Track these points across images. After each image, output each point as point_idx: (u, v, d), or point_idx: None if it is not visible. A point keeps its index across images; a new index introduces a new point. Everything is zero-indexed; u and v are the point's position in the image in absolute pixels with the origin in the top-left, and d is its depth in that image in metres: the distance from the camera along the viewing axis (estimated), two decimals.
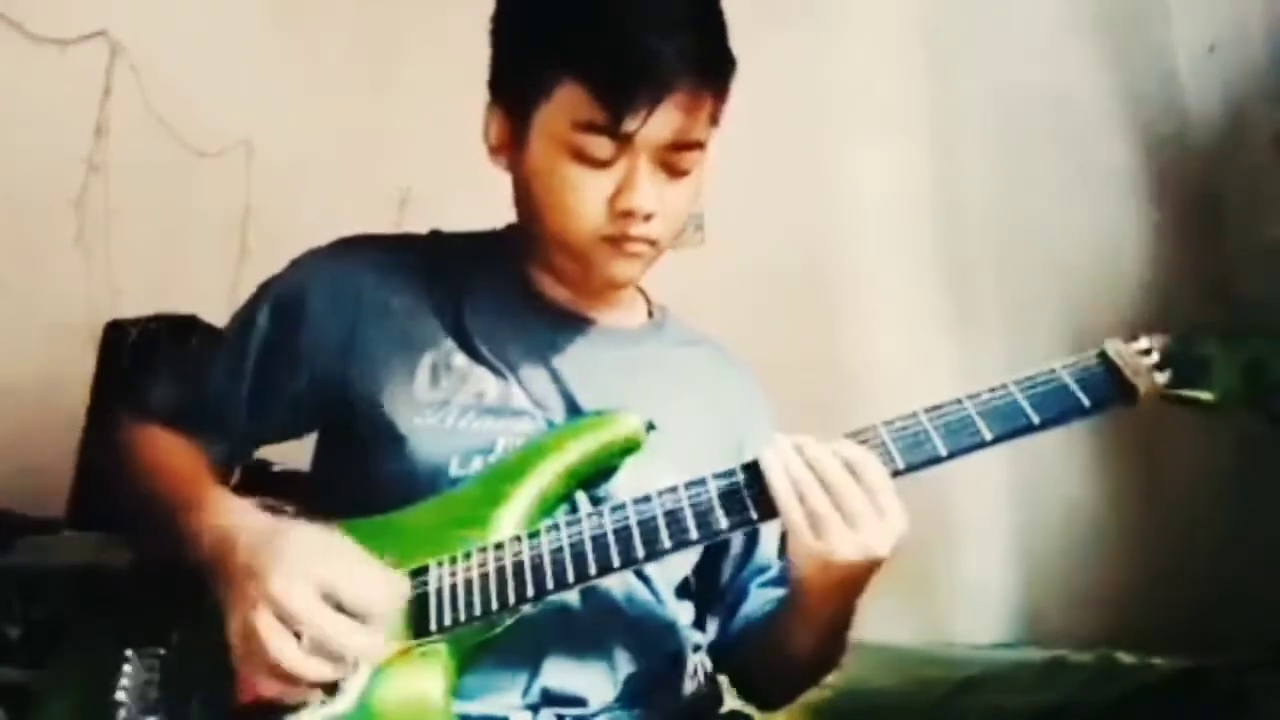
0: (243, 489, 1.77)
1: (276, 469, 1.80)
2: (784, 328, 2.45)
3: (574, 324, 1.01)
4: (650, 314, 1.10)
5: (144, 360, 1.99)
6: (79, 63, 2.43)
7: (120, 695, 0.80)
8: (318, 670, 0.73)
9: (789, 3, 2.76)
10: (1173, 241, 2.27)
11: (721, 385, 1.07)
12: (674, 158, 0.91)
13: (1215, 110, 2.18)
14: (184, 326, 2.01)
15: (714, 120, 0.96)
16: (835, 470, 0.76)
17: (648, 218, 0.91)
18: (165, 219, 2.55)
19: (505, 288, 1.01)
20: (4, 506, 1.91)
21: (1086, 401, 0.77)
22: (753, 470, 0.80)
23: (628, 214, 0.90)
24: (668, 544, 0.79)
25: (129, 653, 0.82)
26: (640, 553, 0.79)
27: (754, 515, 0.79)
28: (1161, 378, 0.77)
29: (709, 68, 0.92)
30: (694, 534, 0.79)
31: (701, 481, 0.80)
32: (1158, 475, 2.32)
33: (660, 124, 0.88)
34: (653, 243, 0.94)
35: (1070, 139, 2.45)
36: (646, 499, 0.80)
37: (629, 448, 0.90)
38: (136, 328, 2.03)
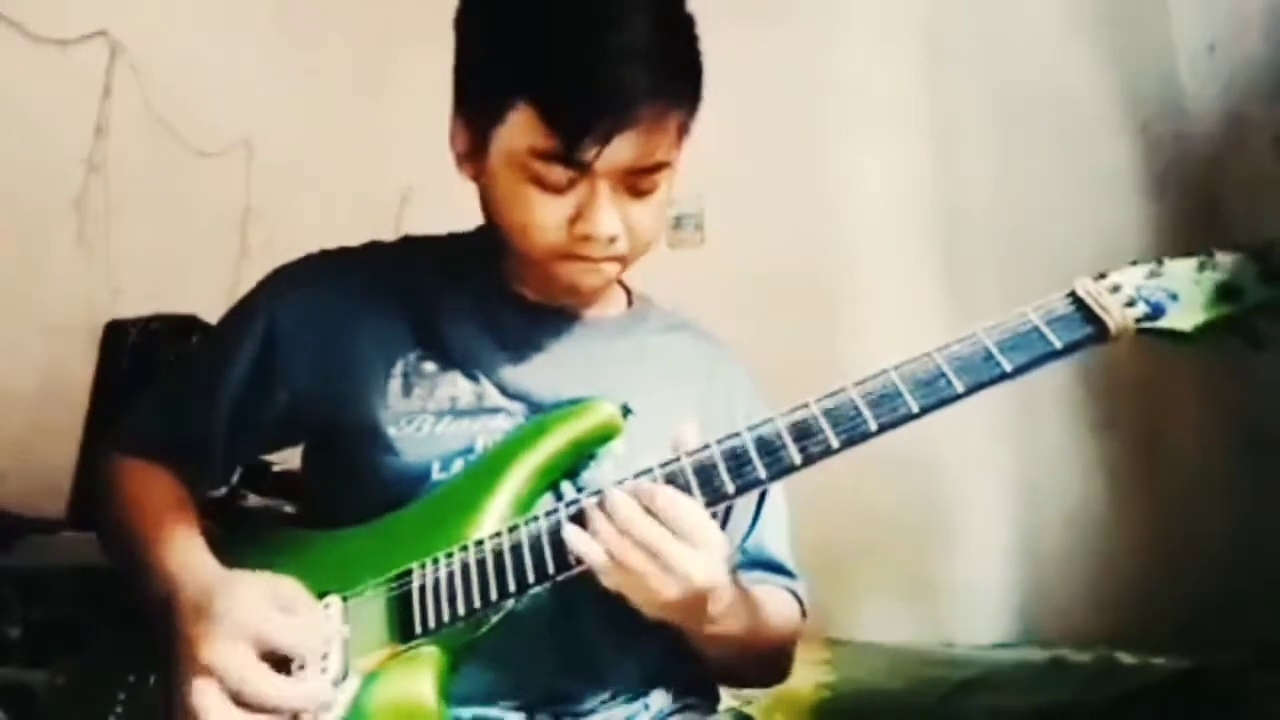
0: (243, 489, 1.79)
1: (277, 469, 1.80)
2: (784, 328, 2.45)
3: (551, 319, 0.99)
4: (630, 303, 1.08)
5: (144, 360, 1.99)
6: (79, 63, 2.43)
7: None
8: None
9: (790, 2, 2.76)
10: (1172, 241, 2.27)
11: (706, 369, 1.05)
12: (637, 180, 0.89)
13: (1215, 110, 2.18)
14: (184, 326, 2.01)
15: (682, 134, 0.93)
16: (638, 521, 0.75)
17: (610, 240, 0.89)
18: (165, 219, 2.56)
19: (480, 288, 0.99)
20: (4, 507, 1.91)
21: (1058, 343, 0.74)
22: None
23: (587, 238, 0.88)
24: None
25: (132, 672, 0.82)
26: None
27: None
28: (1133, 312, 0.74)
29: (672, 92, 0.87)
30: None
31: (676, 459, 0.78)
32: (1158, 475, 2.33)
33: (619, 151, 0.85)
34: (619, 259, 0.92)
35: (1070, 139, 2.45)
36: (623, 481, 0.78)
37: (606, 435, 0.89)
38: (136, 328, 2.03)
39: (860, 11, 2.73)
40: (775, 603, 0.97)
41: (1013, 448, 2.46)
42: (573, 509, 0.79)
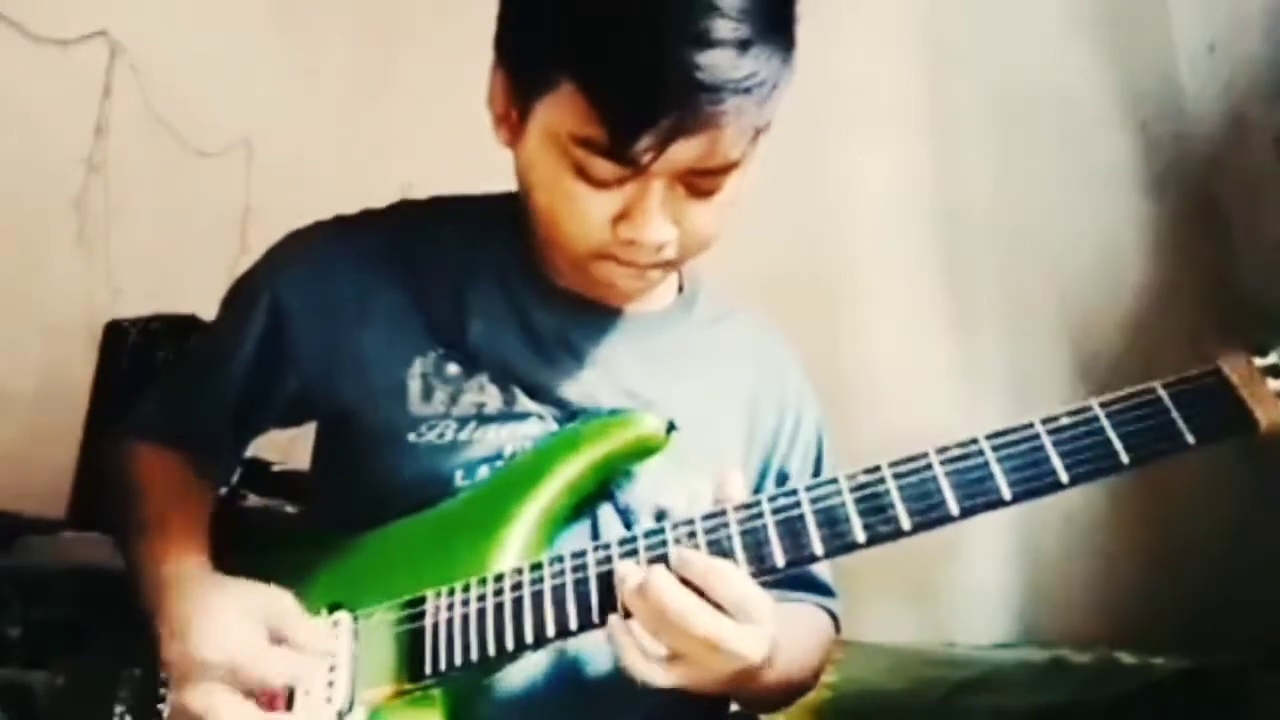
0: (243, 489, 1.79)
1: (276, 469, 1.80)
2: (784, 328, 2.44)
3: (590, 312, 0.88)
4: (681, 288, 0.96)
5: (144, 360, 1.99)
6: (79, 63, 2.43)
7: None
8: None
9: None
10: (1172, 241, 2.27)
11: (755, 368, 0.95)
12: (699, 180, 0.74)
13: (1215, 110, 2.18)
14: (184, 326, 2.01)
15: (761, 131, 0.78)
16: (681, 604, 0.65)
17: (659, 248, 0.76)
18: (165, 219, 2.55)
19: (511, 271, 0.88)
20: (4, 507, 1.91)
21: (1190, 437, 0.61)
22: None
23: (632, 243, 0.75)
24: None
25: (133, 672, 0.81)
26: None
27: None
28: None
29: (756, 87, 0.70)
30: None
31: (721, 513, 0.70)
32: (1158, 475, 2.32)
33: (680, 152, 0.70)
34: (667, 264, 0.81)
35: (1070, 139, 2.45)
36: (659, 531, 0.70)
37: (645, 450, 0.81)
38: (136, 328, 2.03)
39: (860, 11, 2.72)
40: (810, 627, 0.91)
41: None
42: (603, 564, 0.71)
